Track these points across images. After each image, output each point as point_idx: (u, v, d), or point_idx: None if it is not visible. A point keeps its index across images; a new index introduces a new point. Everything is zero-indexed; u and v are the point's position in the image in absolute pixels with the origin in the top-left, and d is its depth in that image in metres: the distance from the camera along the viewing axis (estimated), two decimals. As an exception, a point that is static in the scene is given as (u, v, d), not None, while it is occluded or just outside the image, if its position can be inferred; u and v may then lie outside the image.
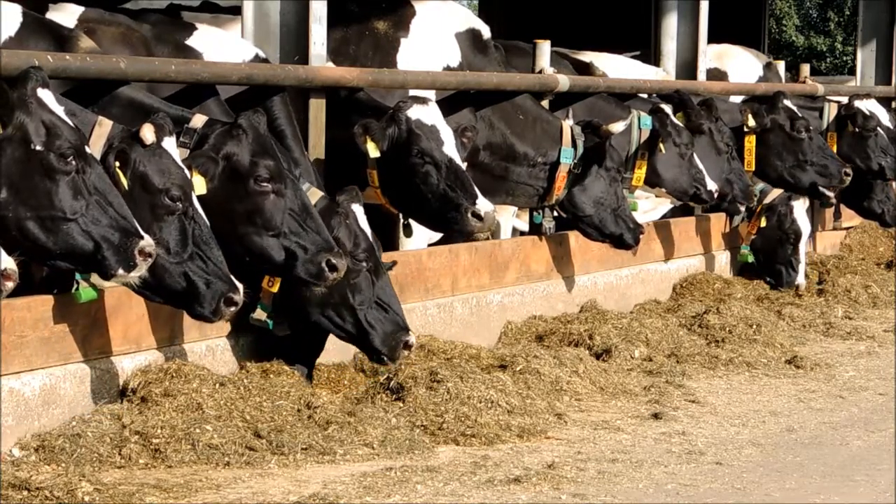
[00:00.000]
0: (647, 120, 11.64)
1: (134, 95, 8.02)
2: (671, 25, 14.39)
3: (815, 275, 14.08)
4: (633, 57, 14.88)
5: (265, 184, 7.74)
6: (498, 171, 10.83)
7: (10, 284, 6.26)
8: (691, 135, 12.01)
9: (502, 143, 10.84)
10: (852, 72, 20.81)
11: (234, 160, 7.73)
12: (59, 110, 6.79)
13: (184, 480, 6.89)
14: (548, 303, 11.23)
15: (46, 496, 6.41)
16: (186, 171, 7.35)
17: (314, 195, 8.26)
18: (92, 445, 7.05)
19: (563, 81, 11.49)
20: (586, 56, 13.98)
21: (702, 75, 14.41)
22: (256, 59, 9.12)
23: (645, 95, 12.87)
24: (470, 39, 10.89)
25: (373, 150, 9.05)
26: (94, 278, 7.17)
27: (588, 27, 20.03)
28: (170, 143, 7.32)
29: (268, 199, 7.76)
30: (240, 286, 7.31)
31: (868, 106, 14.52)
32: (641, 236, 11.16)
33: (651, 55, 14.58)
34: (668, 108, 12.03)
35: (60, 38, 8.09)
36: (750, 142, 13.22)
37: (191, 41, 9.16)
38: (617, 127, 10.96)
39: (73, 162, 6.71)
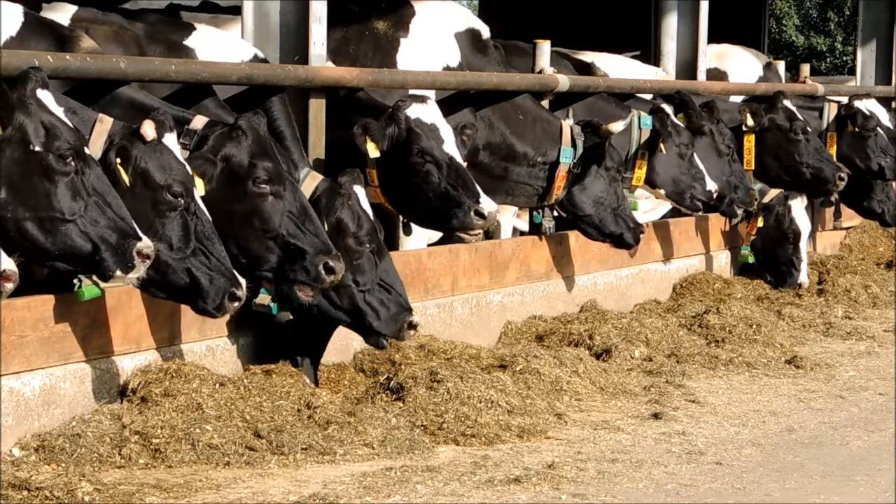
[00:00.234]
0: (647, 120, 11.64)
1: (135, 96, 8.01)
2: (671, 25, 14.38)
3: (815, 275, 14.06)
4: (633, 57, 14.86)
5: (264, 185, 7.74)
6: (497, 171, 10.82)
7: (9, 286, 6.27)
8: (692, 135, 12.01)
9: (502, 143, 10.83)
10: (852, 72, 20.79)
11: (232, 162, 7.73)
12: (59, 111, 6.80)
13: (184, 480, 6.89)
14: (548, 303, 11.22)
15: (46, 496, 6.41)
16: (188, 167, 7.35)
17: (314, 179, 8.25)
18: (92, 445, 7.04)
19: (563, 81, 11.48)
20: (587, 56, 13.97)
21: (702, 75, 14.40)
22: (255, 59, 9.12)
23: (645, 96, 12.87)
24: (469, 39, 10.88)
25: (372, 150, 9.04)
26: (94, 278, 7.17)
27: (588, 27, 20.00)
28: (170, 140, 7.32)
29: (266, 200, 7.75)
30: (243, 281, 7.32)
31: (868, 106, 14.51)
32: (641, 236, 11.16)
33: (651, 55, 14.58)
34: (668, 109, 12.02)
35: (61, 38, 8.08)
36: (749, 141, 13.21)
37: (189, 41, 9.15)
38: (617, 126, 10.96)
39: (72, 163, 6.71)
